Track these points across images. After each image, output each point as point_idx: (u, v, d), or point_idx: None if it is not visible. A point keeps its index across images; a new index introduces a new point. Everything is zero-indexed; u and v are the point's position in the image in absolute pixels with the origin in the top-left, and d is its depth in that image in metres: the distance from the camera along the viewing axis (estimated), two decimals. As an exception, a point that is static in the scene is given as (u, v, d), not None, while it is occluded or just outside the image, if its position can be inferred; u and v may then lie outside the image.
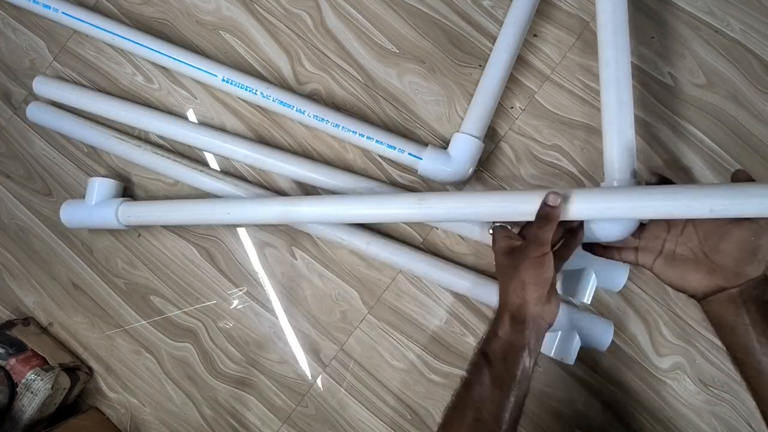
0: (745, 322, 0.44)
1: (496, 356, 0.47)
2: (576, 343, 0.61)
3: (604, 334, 0.61)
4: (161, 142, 0.74)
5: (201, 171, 0.69)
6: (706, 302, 0.48)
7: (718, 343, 0.63)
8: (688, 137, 0.65)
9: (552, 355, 0.61)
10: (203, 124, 0.72)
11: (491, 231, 0.55)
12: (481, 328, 0.67)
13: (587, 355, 0.64)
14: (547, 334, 0.62)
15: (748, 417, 0.62)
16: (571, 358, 0.60)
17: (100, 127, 0.72)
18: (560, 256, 0.51)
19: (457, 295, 0.68)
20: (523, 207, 0.50)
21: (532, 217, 0.49)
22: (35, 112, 0.74)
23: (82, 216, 0.70)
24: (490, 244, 0.54)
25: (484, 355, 0.47)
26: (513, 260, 0.49)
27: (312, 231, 0.68)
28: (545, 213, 0.48)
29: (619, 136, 0.54)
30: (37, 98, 0.75)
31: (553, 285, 0.49)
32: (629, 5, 0.66)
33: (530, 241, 0.48)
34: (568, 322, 0.61)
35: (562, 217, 0.49)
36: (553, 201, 0.48)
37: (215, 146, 0.69)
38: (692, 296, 0.49)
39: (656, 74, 0.66)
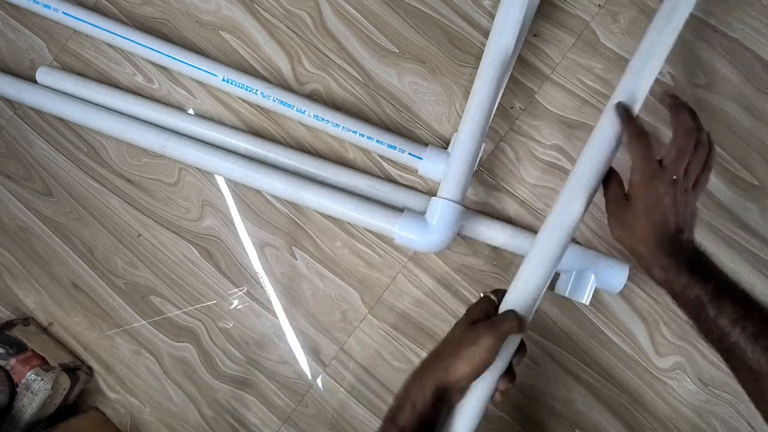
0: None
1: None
2: (591, 283, 0.60)
3: (619, 275, 0.60)
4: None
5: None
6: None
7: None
8: (688, 137, 0.65)
9: (566, 294, 0.61)
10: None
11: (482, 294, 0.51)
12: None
13: (587, 355, 0.64)
14: (562, 275, 0.62)
15: (749, 417, 0.62)
16: (583, 297, 0.60)
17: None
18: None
19: (458, 296, 0.68)
20: None
21: None
22: (45, 76, 0.74)
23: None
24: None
25: (396, 427, 0.41)
26: (465, 333, 0.44)
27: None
28: (516, 321, 0.45)
29: (460, 157, 0.60)
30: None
31: None
32: (631, 8, 0.67)
33: (491, 331, 0.43)
34: (582, 263, 0.61)
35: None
36: (522, 326, 0.45)
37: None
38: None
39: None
